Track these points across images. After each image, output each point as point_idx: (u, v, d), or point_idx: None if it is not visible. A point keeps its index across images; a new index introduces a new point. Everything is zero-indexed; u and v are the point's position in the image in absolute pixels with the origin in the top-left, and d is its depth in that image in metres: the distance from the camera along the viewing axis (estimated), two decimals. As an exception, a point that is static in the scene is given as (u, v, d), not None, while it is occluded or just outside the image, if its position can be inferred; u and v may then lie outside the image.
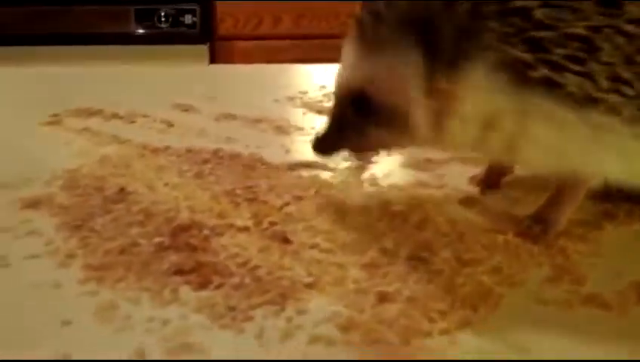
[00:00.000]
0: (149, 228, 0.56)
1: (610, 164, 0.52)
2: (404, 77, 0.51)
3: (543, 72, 0.48)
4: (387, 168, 0.72)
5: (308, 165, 0.71)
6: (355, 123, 0.56)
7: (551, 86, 0.48)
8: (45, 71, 1.18)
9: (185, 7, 2.49)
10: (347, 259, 0.52)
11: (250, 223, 0.58)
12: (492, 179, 0.67)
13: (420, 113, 0.52)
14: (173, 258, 0.52)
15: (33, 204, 0.60)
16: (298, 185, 0.65)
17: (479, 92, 0.50)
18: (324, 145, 0.59)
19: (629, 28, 0.48)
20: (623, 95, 0.48)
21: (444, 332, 0.44)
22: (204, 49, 2.52)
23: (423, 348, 0.43)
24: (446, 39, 0.49)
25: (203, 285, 0.49)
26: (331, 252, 0.53)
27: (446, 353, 0.43)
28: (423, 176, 0.70)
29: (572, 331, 0.45)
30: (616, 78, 0.48)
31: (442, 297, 0.48)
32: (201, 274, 0.50)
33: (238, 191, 0.64)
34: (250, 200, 0.62)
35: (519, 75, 0.49)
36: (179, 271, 0.50)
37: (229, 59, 2.57)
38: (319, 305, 0.47)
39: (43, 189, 0.63)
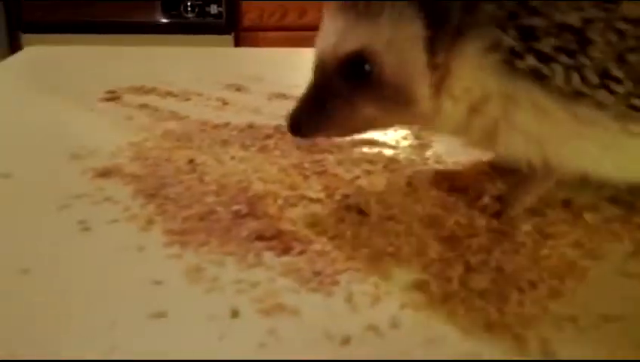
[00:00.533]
0: (224, 197, 0.56)
1: (595, 158, 0.49)
2: (405, 45, 0.48)
3: (531, 61, 0.46)
4: (449, 147, 0.71)
5: (370, 142, 0.70)
6: (343, 95, 0.50)
7: (538, 77, 0.46)
8: (90, 50, 1.18)
9: (210, -4, 2.51)
10: (425, 231, 0.52)
11: (322, 195, 0.58)
12: None
13: (421, 86, 0.49)
14: (253, 224, 0.51)
15: (105, 173, 0.60)
16: (365, 160, 0.65)
17: (471, 70, 0.48)
18: (303, 124, 0.52)
19: (623, 25, 0.45)
20: (612, 92, 0.46)
21: (536, 301, 0.44)
22: (229, 39, 2.54)
23: (518, 316, 0.42)
24: (452, 10, 0.47)
25: (285, 251, 0.49)
26: (408, 224, 0.53)
27: (540, 322, 0.42)
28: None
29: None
30: (605, 75, 0.46)
31: (529, 268, 0.47)
32: (282, 241, 0.50)
33: (306, 165, 0.64)
34: (320, 173, 0.62)
35: (509, 61, 0.47)
36: (260, 237, 0.50)
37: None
38: (405, 273, 0.47)
39: (111, 160, 0.64)
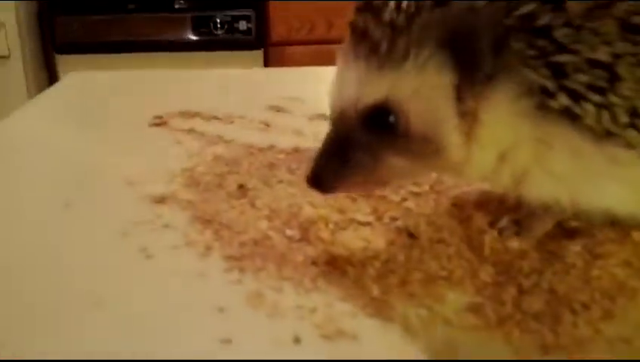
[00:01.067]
0: (276, 222, 0.58)
1: (623, 197, 0.49)
2: (432, 94, 0.47)
3: (563, 101, 0.45)
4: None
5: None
6: (367, 148, 0.49)
7: (570, 116, 0.45)
8: (132, 74, 1.21)
9: (240, 13, 2.54)
10: (476, 253, 0.53)
11: (371, 218, 0.59)
12: None
13: (450, 135, 0.47)
14: (307, 249, 0.53)
15: (161, 199, 0.63)
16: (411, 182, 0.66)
17: (502, 117, 0.47)
18: (324, 179, 0.50)
19: None
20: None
21: (589, 323, 0.45)
22: (259, 54, 2.57)
23: (572, 338, 0.43)
24: (484, 56, 0.45)
25: (340, 276, 0.50)
26: (457, 246, 0.54)
27: (594, 343, 0.43)
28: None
29: None
30: (635, 113, 0.45)
31: (581, 289, 0.48)
32: (336, 266, 0.51)
33: (353, 188, 0.65)
34: (367, 196, 0.63)
35: (540, 103, 0.46)
36: (315, 263, 0.52)
37: (282, 65, 2.61)
38: (458, 297, 0.48)
39: (166, 186, 0.66)
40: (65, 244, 0.56)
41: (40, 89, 2.52)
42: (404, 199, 0.62)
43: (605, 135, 0.46)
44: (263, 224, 0.58)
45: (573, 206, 0.50)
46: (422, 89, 0.46)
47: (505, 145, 0.48)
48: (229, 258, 0.52)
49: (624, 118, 0.45)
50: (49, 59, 2.58)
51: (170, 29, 2.57)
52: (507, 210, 0.59)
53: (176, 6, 2.54)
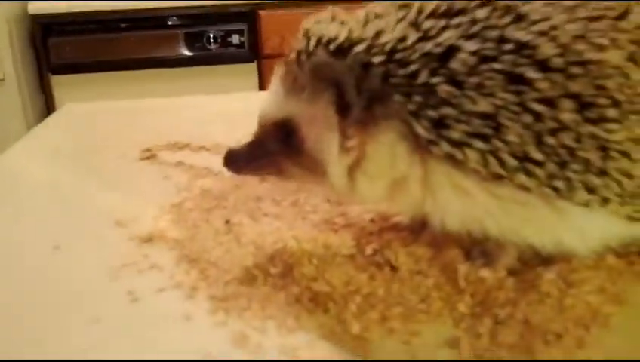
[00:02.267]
0: (261, 259, 0.59)
1: (527, 233, 0.52)
2: (321, 124, 0.53)
3: (444, 148, 0.48)
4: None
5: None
6: (274, 151, 0.57)
7: (453, 161, 0.49)
8: (123, 105, 1.23)
9: (232, 27, 2.56)
10: (453, 284, 0.54)
11: (354, 251, 0.60)
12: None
13: (333, 164, 0.53)
14: (291, 288, 0.55)
15: (149, 239, 0.64)
16: (390, 211, 0.68)
17: (385, 156, 0.52)
18: (237, 161, 0.59)
19: (539, 108, 0.46)
20: (532, 175, 0.48)
21: (563, 353, 0.46)
22: (253, 67, 2.59)
23: (545, 369, 0.45)
24: (355, 102, 0.51)
25: (323, 313, 0.52)
26: (436, 278, 0.55)
27: (567, 374, 0.45)
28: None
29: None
30: (524, 158, 0.47)
31: (554, 319, 0.49)
32: (319, 303, 0.53)
33: (336, 219, 0.67)
34: (349, 227, 0.65)
35: (422, 147, 0.50)
36: (298, 301, 0.53)
37: (275, 76, 2.62)
38: (437, 331, 0.49)
39: (154, 224, 0.68)
40: (54, 289, 0.57)
41: (36, 110, 2.54)
42: (384, 229, 0.64)
43: (493, 177, 0.49)
44: (249, 261, 0.59)
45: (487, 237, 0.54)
46: (314, 118, 0.53)
47: (394, 178, 0.53)
48: (214, 298, 0.54)
49: (512, 162, 0.48)
50: (44, 80, 2.60)
51: (163, 45, 2.58)
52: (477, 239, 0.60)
53: (169, 22, 2.56)
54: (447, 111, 0.48)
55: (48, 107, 2.59)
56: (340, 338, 0.49)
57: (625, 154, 0.48)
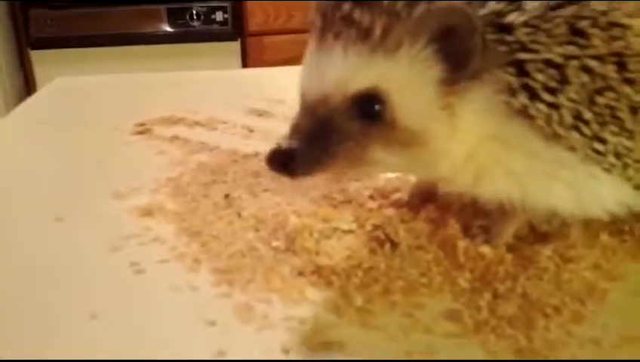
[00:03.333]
0: (263, 232, 0.60)
1: (564, 198, 0.52)
2: (421, 85, 0.47)
3: (522, 99, 0.48)
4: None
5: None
6: (351, 134, 0.48)
7: (527, 117, 0.48)
8: (115, 79, 1.22)
9: (216, 4, 2.54)
10: (453, 259, 0.55)
11: (354, 226, 0.61)
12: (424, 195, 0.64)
13: (431, 129, 0.48)
14: (294, 261, 0.55)
15: (148, 212, 0.65)
16: (390, 187, 0.69)
17: (476, 112, 0.49)
18: (295, 161, 0.47)
19: (593, 64, 0.47)
20: (582, 134, 0.49)
21: (561, 326, 0.48)
22: (236, 45, 2.57)
23: (545, 341, 0.46)
24: (473, 54, 0.46)
25: (326, 286, 0.53)
26: (436, 253, 0.56)
27: (566, 346, 0.46)
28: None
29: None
30: (578, 117, 0.48)
31: (553, 293, 0.51)
32: (322, 276, 0.54)
33: (335, 195, 0.67)
34: (348, 202, 0.66)
35: (506, 101, 0.48)
36: (301, 273, 0.54)
37: (260, 55, 2.60)
38: (438, 304, 0.50)
39: (152, 197, 0.68)
40: (58, 259, 0.57)
41: (14, 87, 2.50)
42: (383, 205, 0.64)
43: (552, 136, 0.49)
44: (250, 235, 0.60)
45: (524, 204, 0.53)
46: (410, 79, 0.47)
47: (473, 141, 0.50)
48: (217, 271, 0.54)
49: (569, 120, 0.49)
50: (23, 55, 2.55)
51: (145, 21, 2.56)
52: (476, 216, 0.62)
53: (151, -3, 2.53)
54: (527, 56, 0.47)
55: (28, 84, 2.55)
56: (345, 310, 0.49)
57: None
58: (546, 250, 0.56)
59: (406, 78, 0.47)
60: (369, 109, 0.47)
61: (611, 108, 0.49)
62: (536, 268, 0.54)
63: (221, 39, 2.57)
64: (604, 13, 0.49)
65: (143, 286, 0.53)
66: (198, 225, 0.61)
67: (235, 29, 2.55)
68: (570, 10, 0.48)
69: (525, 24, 0.47)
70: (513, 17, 0.47)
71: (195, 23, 2.57)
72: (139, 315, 0.49)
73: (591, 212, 0.54)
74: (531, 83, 0.48)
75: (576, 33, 0.48)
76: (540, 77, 0.48)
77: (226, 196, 0.67)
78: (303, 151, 0.47)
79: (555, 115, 0.48)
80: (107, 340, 0.47)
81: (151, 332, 0.48)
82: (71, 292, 0.52)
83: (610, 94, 0.49)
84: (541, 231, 0.60)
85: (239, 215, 0.63)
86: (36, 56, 2.53)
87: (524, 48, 0.47)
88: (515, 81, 0.48)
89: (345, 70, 0.47)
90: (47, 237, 0.61)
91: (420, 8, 0.45)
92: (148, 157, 0.80)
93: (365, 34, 0.46)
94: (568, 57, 0.48)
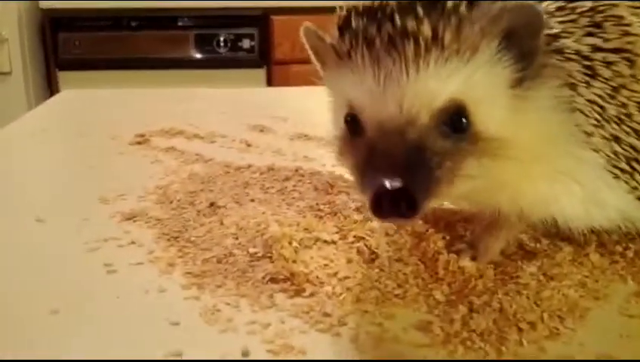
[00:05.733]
0: (242, 239, 0.59)
1: (573, 203, 0.51)
2: (498, 89, 0.45)
3: (581, 100, 0.47)
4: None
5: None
6: (446, 152, 0.43)
7: (572, 113, 0.48)
8: (122, 92, 1.24)
9: (243, 31, 2.56)
10: (432, 272, 0.54)
11: (336, 237, 0.60)
12: None
13: (516, 134, 0.45)
14: (268, 267, 0.54)
15: (131, 216, 0.64)
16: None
17: (541, 112, 0.47)
18: (413, 200, 0.40)
19: (613, 58, 0.49)
20: (604, 133, 0.48)
21: (534, 341, 0.46)
22: (261, 72, 2.59)
23: (515, 356, 0.44)
24: (539, 51, 0.45)
25: (297, 293, 0.51)
26: (416, 266, 0.55)
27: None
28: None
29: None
30: (601, 114, 0.48)
31: (531, 309, 0.49)
32: (294, 283, 0.52)
33: (322, 206, 0.66)
34: (334, 214, 0.65)
35: (568, 97, 0.47)
36: (274, 280, 0.53)
37: (285, 83, 2.62)
38: (410, 315, 0.49)
39: (138, 203, 0.67)
40: (32, 259, 0.57)
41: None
42: (369, 218, 0.63)
43: (585, 134, 0.49)
44: (229, 241, 0.59)
45: (525, 212, 0.52)
46: (489, 84, 0.44)
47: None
48: (189, 274, 0.53)
49: (596, 117, 0.48)
50: (51, 75, 2.61)
51: (173, 46, 2.59)
52: (464, 231, 0.60)
53: (180, 23, 2.56)
54: (562, 44, 0.47)
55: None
56: (312, 316, 0.48)
57: None
58: (531, 267, 0.54)
59: (485, 83, 0.44)
60: (457, 122, 0.43)
61: (625, 105, 0.48)
62: (517, 283, 0.52)
63: (247, 66, 2.59)
64: (611, 7, 0.49)
65: (112, 286, 0.52)
66: (178, 231, 0.61)
67: (262, 57, 2.57)
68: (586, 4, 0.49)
69: (560, 9, 0.48)
70: (546, 4, 0.48)
71: (222, 50, 2.59)
72: (100, 313, 0.49)
73: (595, 220, 0.53)
74: (575, 75, 0.47)
75: (596, 25, 0.48)
76: (575, 68, 0.47)
77: (211, 204, 0.66)
78: (411, 186, 0.40)
79: (587, 110, 0.48)
80: (63, 336, 0.46)
81: (109, 329, 0.47)
82: (37, 290, 0.52)
83: (625, 91, 0.48)
84: (529, 248, 0.58)
85: (221, 222, 0.63)
86: (65, 77, 2.57)
87: (558, 36, 0.47)
88: (580, 75, 0.47)
89: (426, 84, 0.42)
90: (24, 237, 0.61)
91: (492, 7, 0.43)
92: (141, 166, 0.80)
93: (433, 41, 0.42)
94: (595, 49, 0.48)
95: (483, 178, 0.46)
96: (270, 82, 2.60)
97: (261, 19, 2.53)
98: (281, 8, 2.55)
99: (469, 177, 0.45)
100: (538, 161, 0.47)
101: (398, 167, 0.41)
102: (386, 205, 0.40)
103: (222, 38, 2.57)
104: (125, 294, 0.51)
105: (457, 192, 0.47)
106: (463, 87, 0.43)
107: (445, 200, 0.57)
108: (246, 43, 2.59)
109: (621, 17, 0.49)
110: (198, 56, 2.59)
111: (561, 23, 0.48)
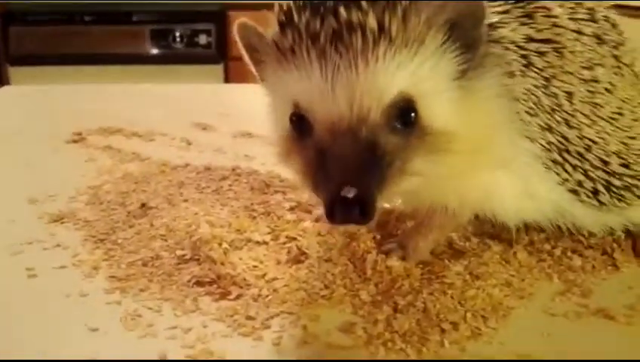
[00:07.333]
0: (170, 241, 0.58)
1: (510, 194, 0.52)
2: (445, 81, 0.44)
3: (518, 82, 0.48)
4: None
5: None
6: (396, 149, 0.42)
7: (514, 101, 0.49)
8: (65, 89, 1.21)
9: (200, 27, 2.54)
10: (360, 273, 0.54)
11: (268, 238, 0.59)
12: None
13: (463, 127, 0.45)
14: (194, 270, 0.53)
15: (59, 218, 0.63)
16: (313, 200, 0.67)
17: (482, 100, 0.47)
18: (370, 205, 0.40)
19: (545, 49, 0.50)
20: (538, 121, 0.50)
21: (455, 342, 0.46)
22: (219, 69, 2.56)
23: (436, 356, 0.44)
24: (482, 39, 0.45)
25: (223, 295, 0.51)
26: (344, 266, 0.55)
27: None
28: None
29: (578, 342, 0.47)
30: (536, 103, 0.49)
31: (454, 308, 0.49)
32: (220, 286, 0.52)
33: (256, 207, 0.66)
34: (267, 214, 0.64)
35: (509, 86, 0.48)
36: (199, 283, 0.52)
37: (243, 79, 2.59)
38: (335, 316, 0.49)
39: (68, 204, 0.66)
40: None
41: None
42: (302, 219, 0.63)
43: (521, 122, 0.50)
44: (157, 243, 0.58)
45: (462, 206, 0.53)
46: (435, 76, 0.44)
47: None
48: (113, 278, 0.52)
49: (530, 105, 0.49)
50: (1, 71, 2.54)
51: (128, 41, 2.54)
52: (396, 230, 0.60)
53: (135, 18, 2.52)
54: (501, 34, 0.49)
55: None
56: (236, 320, 0.48)
57: None
58: (457, 266, 0.55)
59: (432, 75, 0.43)
60: (406, 116, 0.43)
61: (556, 95, 0.50)
62: (442, 283, 0.52)
63: (204, 62, 2.56)
64: None
65: (31, 291, 0.51)
66: (105, 233, 0.60)
67: (219, 53, 2.54)
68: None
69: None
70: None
71: (179, 45, 2.56)
72: (19, 318, 0.47)
73: (528, 212, 0.54)
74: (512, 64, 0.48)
75: (528, 16, 0.50)
76: (512, 58, 0.48)
77: (142, 205, 0.65)
78: (366, 193, 0.40)
79: (524, 99, 0.49)
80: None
81: (23, 335, 0.45)
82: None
83: (556, 81, 0.49)
84: (457, 247, 0.58)
85: (151, 224, 0.61)
86: (15, 73, 2.50)
87: (495, 26, 0.48)
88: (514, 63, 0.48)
89: (376, 79, 0.42)
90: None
91: (431, 6, 0.43)
92: (75, 165, 0.78)
93: (380, 33, 0.42)
94: (529, 39, 0.49)
95: (430, 175, 0.45)
96: (228, 78, 2.58)
97: (218, 14, 2.51)
98: (239, 4, 2.52)
99: (418, 175, 0.44)
100: (481, 152, 0.47)
101: (352, 173, 0.41)
102: (340, 212, 0.40)
103: (178, 34, 2.55)
104: (45, 299, 0.50)
105: (406, 190, 0.46)
106: (411, 80, 0.43)
107: (394, 199, 0.56)
108: (203, 39, 2.57)
109: (549, 9, 0.50)
110: (154, 51, 2.55)
111: (496, 13, 0.49)
